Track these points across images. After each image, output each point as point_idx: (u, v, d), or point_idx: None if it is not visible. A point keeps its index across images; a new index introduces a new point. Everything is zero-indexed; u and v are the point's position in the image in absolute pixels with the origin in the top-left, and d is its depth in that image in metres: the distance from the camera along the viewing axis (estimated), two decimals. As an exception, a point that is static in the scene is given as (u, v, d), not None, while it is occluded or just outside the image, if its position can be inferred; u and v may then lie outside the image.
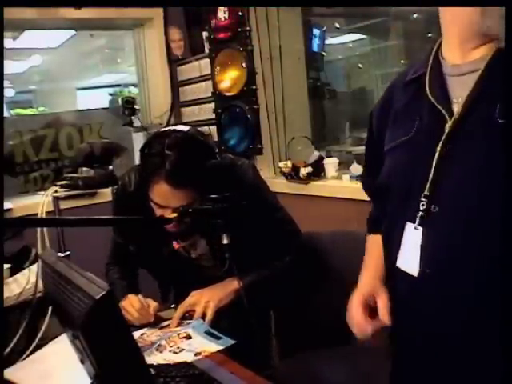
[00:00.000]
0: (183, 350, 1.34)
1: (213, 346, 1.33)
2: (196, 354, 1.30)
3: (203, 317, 1.49)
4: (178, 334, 1.43)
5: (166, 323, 1.54)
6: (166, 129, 1.50)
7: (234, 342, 1.32)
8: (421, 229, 0.96)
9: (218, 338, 1.37)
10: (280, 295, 1.66)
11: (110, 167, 2.37)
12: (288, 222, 1.64)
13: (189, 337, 1.42)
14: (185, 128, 1.47)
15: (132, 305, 1.54)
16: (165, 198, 1.40)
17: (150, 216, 1.49)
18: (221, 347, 1.31)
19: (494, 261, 0.86)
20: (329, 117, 3.53)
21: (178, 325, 1.50)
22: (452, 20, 0.96)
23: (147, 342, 1.41)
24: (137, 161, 1.52)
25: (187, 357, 1.29)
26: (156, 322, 1.54)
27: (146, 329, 1.51)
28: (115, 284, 1.66)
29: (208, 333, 1.41)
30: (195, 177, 1.40)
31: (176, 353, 1.33)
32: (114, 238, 1.74)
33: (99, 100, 5.46)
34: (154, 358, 1.31)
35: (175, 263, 1.63)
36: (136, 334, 1.43)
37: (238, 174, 1.55)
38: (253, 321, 1.25)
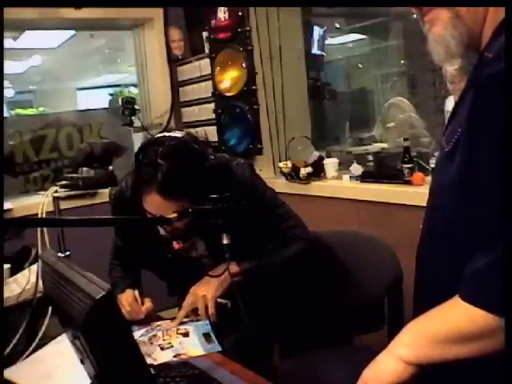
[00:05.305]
0: (172, 347, 1.36)
1: (197, 350, 1.35)
2: (175, 356, 1.32)
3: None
4: (177, 330, 1.45)
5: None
6: (161, 135, 1.47)
7: (220, 349, 1.35)
8: None
9: (211, 343, 1.38)
10: (281, 286, 1.65)
11: (110, 167, 2.38)
12: (290, 216, 1.62)
13: (186, 334, 1.43)
14: (179, 134, 1.45)
15: (126, 298, 1.55)
16: (157, 208, 1.39)
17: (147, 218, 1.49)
18: (203, 352, 1.34)
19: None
20: (329, 117, 3.53)
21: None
22: None
23: (146, 327, 1.45)
24: (137, 162, 1.52)
25: (166, 357, 1.32)
26: (152, 321, 1.54)
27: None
28: (117, 283, 1.66)
29: (205, 335, 1.42)
30: (188, 188, 1.39)
31: (163, 349, 1.36)
32: (115, 239, 1.74)
33: (99, 100, 5.46)
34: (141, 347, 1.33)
35: (176, 264, 1.62)
36: (137, 334, 1.44)
37: (234, 174, 1.54)
38: (246, 314, 1.26)
